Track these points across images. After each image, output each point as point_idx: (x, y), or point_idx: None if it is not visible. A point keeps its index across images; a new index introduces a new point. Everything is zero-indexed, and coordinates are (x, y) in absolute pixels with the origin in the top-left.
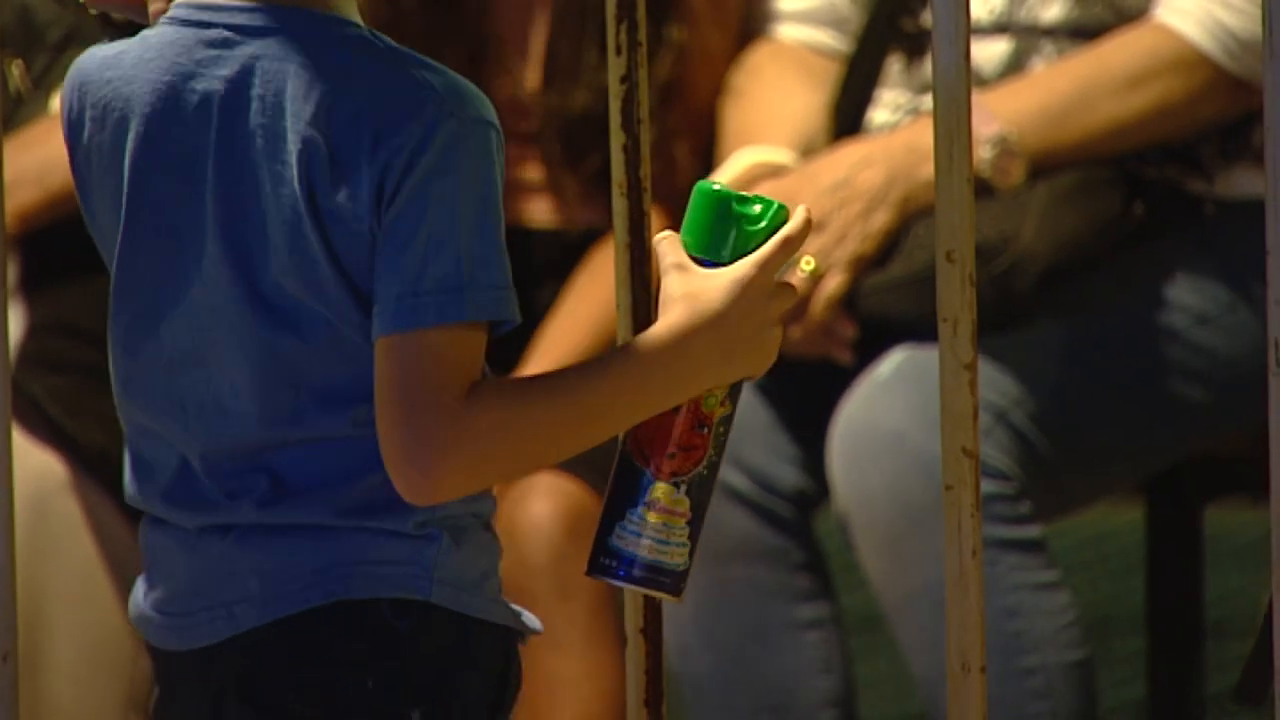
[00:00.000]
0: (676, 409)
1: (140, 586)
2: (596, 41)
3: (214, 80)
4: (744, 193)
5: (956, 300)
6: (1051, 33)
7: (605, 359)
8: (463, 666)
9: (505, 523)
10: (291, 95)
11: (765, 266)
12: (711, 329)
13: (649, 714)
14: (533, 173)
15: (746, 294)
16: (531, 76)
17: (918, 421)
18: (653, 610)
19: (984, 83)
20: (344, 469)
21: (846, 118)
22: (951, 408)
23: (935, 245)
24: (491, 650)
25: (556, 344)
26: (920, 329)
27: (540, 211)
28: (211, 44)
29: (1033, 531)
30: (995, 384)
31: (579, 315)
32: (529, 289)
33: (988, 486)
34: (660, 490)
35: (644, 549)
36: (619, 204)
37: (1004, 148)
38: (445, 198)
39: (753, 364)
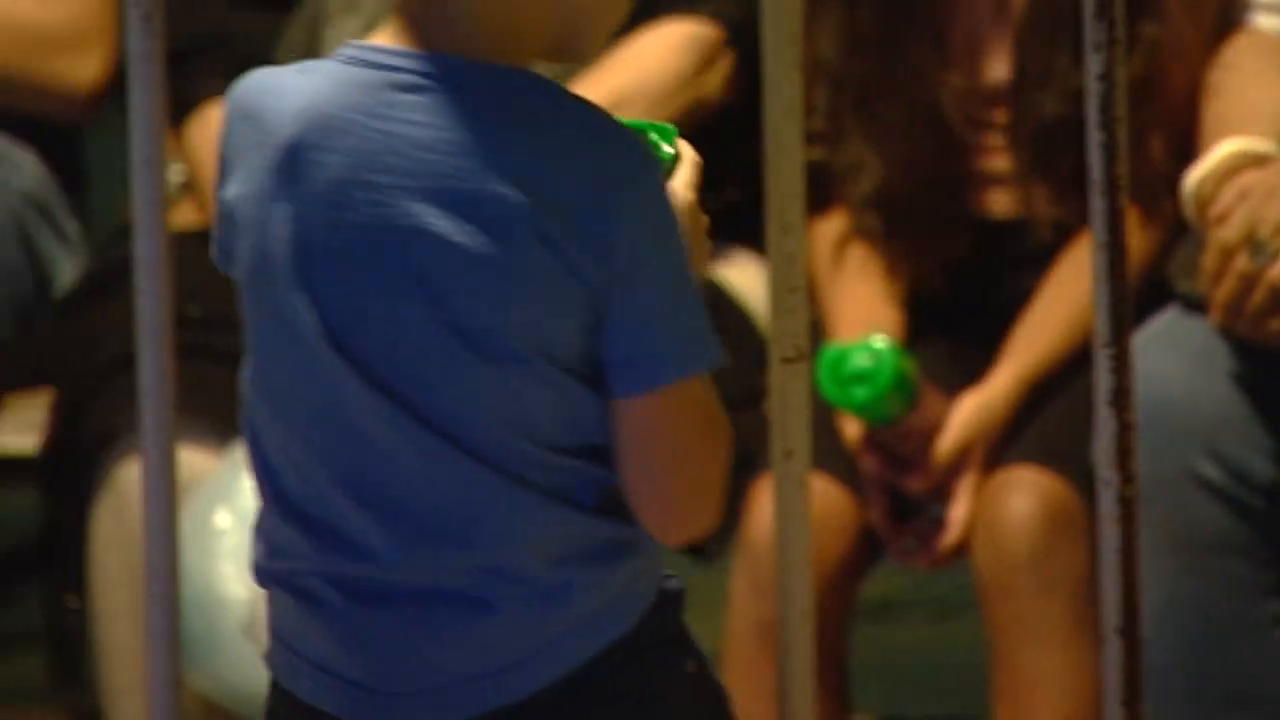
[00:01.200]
0: None
1: (306, 656)
2: (1068, 45)
3: (404, 124)
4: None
5: None
6: None
7: None
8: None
9: (986, 517)
10: (490, 146)
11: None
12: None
13: (1127, 715)
14: (1000, 163)
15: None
16: (997, 70)
17: None
18: (1131, 609)
19: None
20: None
21: None
22: None
23: None
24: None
25: (1033, 342)
26: None
27: (1004, 203)
28: (399, 87)
29: None
30: None
31: (1054, 313)
32: (993, 282)
33: None
34: None
35: None
36: (1097, 203)
37: None
38: (667, 252)
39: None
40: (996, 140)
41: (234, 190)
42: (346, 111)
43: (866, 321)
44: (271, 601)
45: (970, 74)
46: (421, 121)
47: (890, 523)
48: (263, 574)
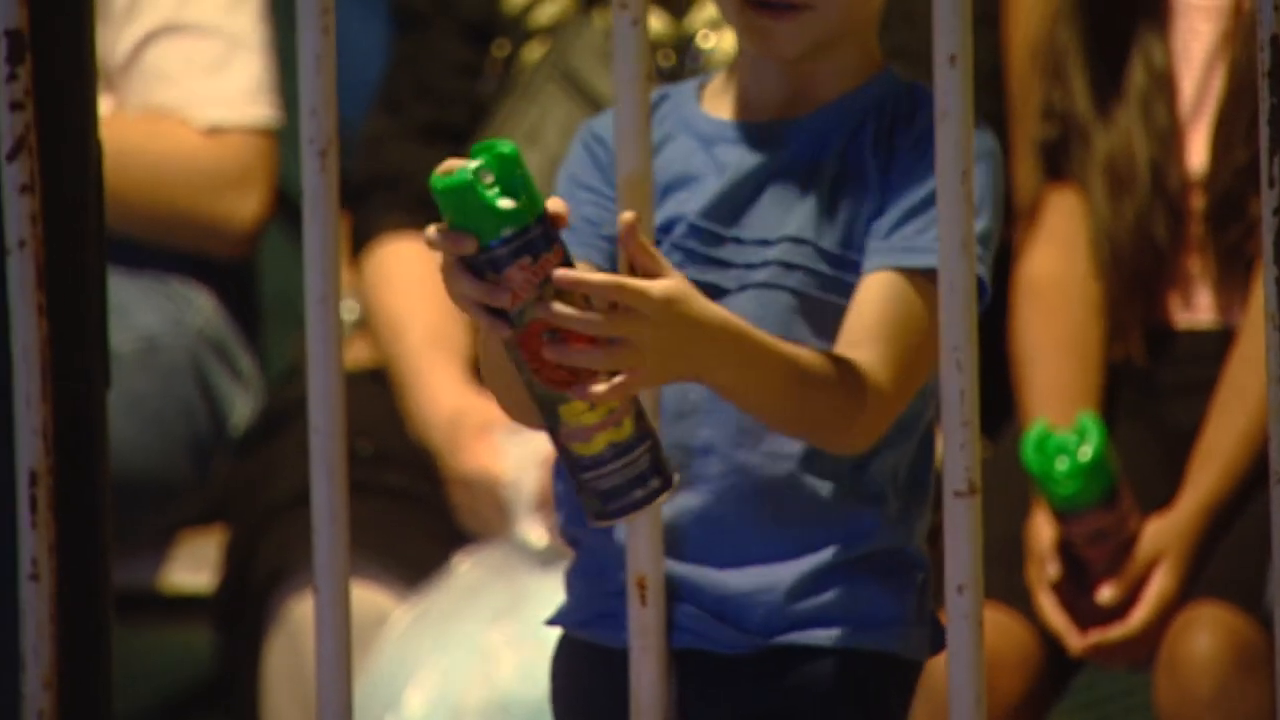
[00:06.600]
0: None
1: None
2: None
3: None
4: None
5: None
6: None
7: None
8: None
9: (1169, 655)
10: None
11: None
12: None
13: None
14: (1195, 266)
15: None
16: (1196, 157)
17: None
18: None
19: None
20: None
21: None
22: None
23: None
24: None
25: (1213, 457)
26: None
27: (1202, 309)
28: None
29: None
30: None
31: (1230, 424)
32: (1191, 397)
33: None
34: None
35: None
36: (1271, 338)
37: None
38: None
39: None
40: (1196, 229)
41: None
42: None
43: (1070, 399)
44: None
45: (1175, 159)
46: None
47: (1069, 619)
48: None
